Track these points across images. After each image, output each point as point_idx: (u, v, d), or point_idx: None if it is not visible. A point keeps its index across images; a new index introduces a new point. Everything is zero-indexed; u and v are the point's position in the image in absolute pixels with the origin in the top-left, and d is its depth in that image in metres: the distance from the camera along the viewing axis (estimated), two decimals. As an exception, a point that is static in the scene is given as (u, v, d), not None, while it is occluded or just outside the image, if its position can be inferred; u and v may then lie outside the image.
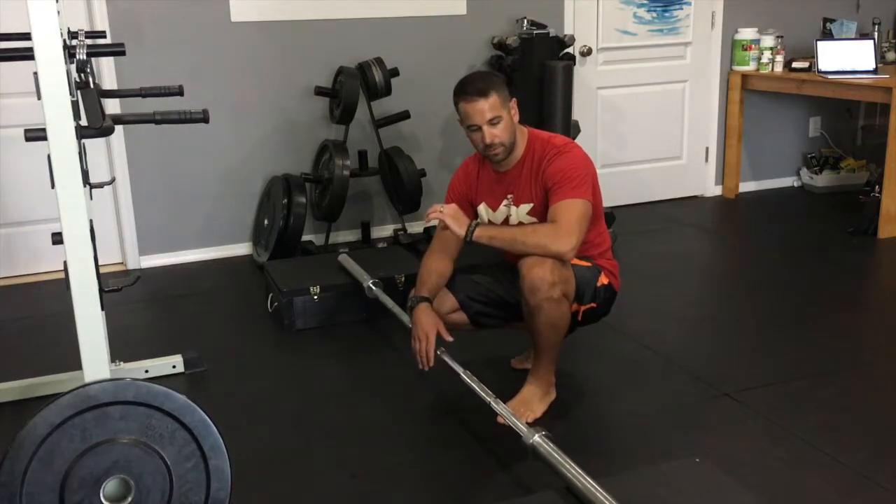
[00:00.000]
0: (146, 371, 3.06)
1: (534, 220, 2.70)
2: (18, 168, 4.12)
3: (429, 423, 2.75)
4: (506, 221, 2.77)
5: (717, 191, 5.60)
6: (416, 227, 4.72)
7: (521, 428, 2.27)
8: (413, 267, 3.64)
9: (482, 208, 2.82)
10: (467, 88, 2.63)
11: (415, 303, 2.73)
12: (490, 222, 2.80)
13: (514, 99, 2.71)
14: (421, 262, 2.87)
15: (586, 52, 5.02)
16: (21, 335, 3.59)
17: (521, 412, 2.60)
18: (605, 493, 1.95)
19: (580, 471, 2.04)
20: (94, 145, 3.96)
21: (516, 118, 2.70)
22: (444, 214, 2.59)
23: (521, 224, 2.72)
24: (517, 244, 2.56)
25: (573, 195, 2.57)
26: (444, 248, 2.81)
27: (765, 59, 5.25)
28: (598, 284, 2.71)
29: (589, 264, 2.71)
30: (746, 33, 5.31)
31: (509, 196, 2.75)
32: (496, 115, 2.60)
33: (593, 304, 2.72)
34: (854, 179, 5.57)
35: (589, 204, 2.59)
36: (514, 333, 2.93)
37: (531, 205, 2.70)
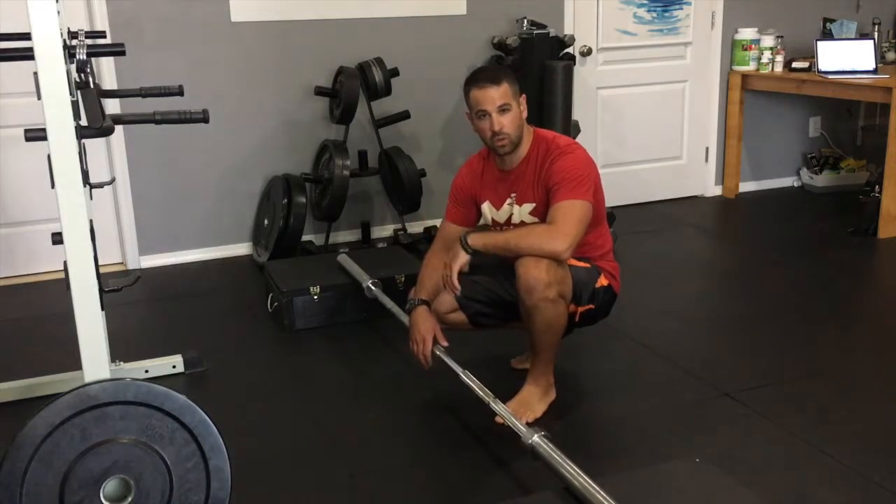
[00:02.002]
0: (146, 371, 3.06)
1: (535, 219, 2.70)
2: (18, 168, 4.12)
3: (428, 423, 2.75)
4: (509, 220, 2.77)
5: (717, 191, 5.60)
6: (416, 227, 4.72)
7: (521, 428, 2.27)
8: (413, 267, 3.64)
9: (486, 206, 2.83)
10: (479, 76, 2.67)
11: (413, 305, 2.75)
12: (493, 221, 2.81)
13: (524, 95, 2.72)
14: (423, 261, 2.88)
15: (586, 52, 5.02)
16: (21, 335, 3.58)
17: (521, 412, 2.60)
18: (603, 494, 1.95)
19: (579, 471, 2.04)
20: (94, 145, 3.97)
21: (524, 114, 2.71)
22: (452, 267, 2.57)
23: (520, 224, 2.73)
24: (511, 247, 2.56)
25: (572, 196, 2.56)
26: (445, 246, 2.82)
27: (765, 59, 5.25)
28: (597, 286, 2.71)
29: (587, 265, 2.71)
30: (746, 33, 5.31)
31: (513, 195, 2.75)
32: (506, 103, 2.63)
33: (591, 306, 2.71)
34: (854, 179, 5.57)
35: (589, 205, 2.59)
36: (513, 333, 2.93)
37: (533, 204, 2.70)
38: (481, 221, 2.84)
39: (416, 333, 2.70)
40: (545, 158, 2.67)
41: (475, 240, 2.58)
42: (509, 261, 2.67)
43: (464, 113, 2.80)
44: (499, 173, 2.79)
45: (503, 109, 2.63)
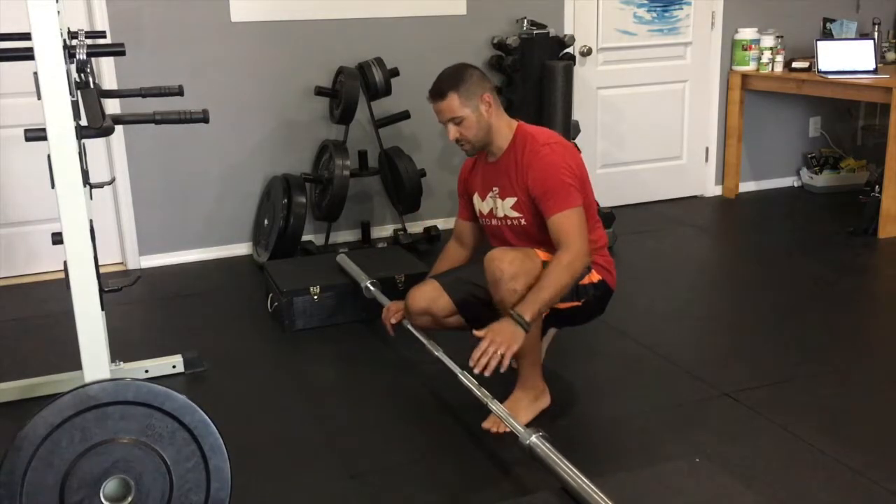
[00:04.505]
0: (146, 371, 3.06)
1: (519, 214, 2.70)
2: (18, 168, 4.12)
3: (427, 424, 2.75)
4: (491, 212, 2.78)
5: (717, 191, 5.60)
6: (416, 227, 4.72)
7: (518, 428, 2.27)
8: (413, 267, 3.66)
9: (475, 198, 2.86)
10: (430, 89, 2.72)
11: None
12: (480, 212, 2.85)
13: (486, 93, 2.67)
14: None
15: (586, 52, 5.02)
16: (21, 335, 3.59)
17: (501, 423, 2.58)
18: (600, 494, 1.94)
19: (576, 471, 2.03)
20: (94, 145, 3.97)
21: (489, 111, 2.67)
22: (506, 352, 2.36)
23: (504, 217, 2.74)
24: (564, 290, 2.51)
25: (565, 206, 2.55)
26: (457, 236, 3.00)
27: (765, 59, 5.25)
28: (584, 282, 2.67)
29: None
30: (746, 33, 5.31)
31: (494, 188, 2.77)
32: (455, 116, 2.66)
33: (577, 303, 2.67)
34: (854, 179, 5.57)
35: (581, 210, 2.59)
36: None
37: (515, 199, 2.71)
38: (476, 213, 2.89)
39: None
40: (523, 155, 2.67)
41: (531, 317, 2.43)
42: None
43: None
44: (486, 166, 2.82)
45: (455, 122, 2.67)
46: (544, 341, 2.91)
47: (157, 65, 4.20)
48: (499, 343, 2.36)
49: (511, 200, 2.72)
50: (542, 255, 2.59)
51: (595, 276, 2.70)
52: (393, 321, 2.92)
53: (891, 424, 2.65)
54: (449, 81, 2.68)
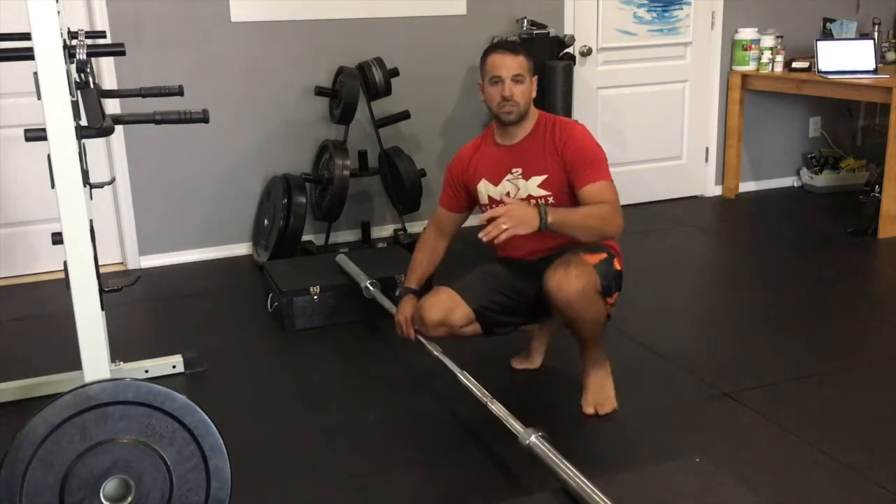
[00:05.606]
0: (146, 371, 3.06)
1: (546, 192, 2.70)
2: (18, 168, 4.12)
3: (427, 424, 2.75)
4: (508, 196, 2.75)
5: (717, 191, 5.60)
6: (416, 227, 4.71)
7: (518, 428, 2.27)
8: (413, 267, 3.65)
9: (482, 185, 2.83)
10: (500, 44, 2.80)
11: (402, 294, 2.92)
12: (490, 199, 2.81)
13: (536, 76, 2.79)
14: (417, 243, 3.00)
15: (586, 52, 5.02)
16: (21, 335, 3.59)
17: (602, 403, 2.69)
18: (600, 494, 1.94)
19: (576, 471, 2.03)
20: (94, 145, 3.97)
21: (534, 93, 2.77)
22: (510, 230, 2.43)
23: (528, 198, 2.71)
24: (586, 229, 2.58)
25: (601, 177, 2.65)
26: (437, 225, 2.98)
27: (765, 59, 5.25)
28: (616, 270, 2.70)
29: (605, 255, 2.67)
30: (746, 33, 5.31)
31: (515, 170, 2.76)
32: (521, 74, 2.70)
33: (617, 294, 2.72)
34: (854, 179, 5.57)
35: (615, 185, 2.68)
36: (514, 334, 2.93)
37: (544, 176, 2.71)
38: (483, 201, 2.85)
39: (398, 316, 2.88)
40: (554, 131, 2.73)
41: (554, 218, 2.48)
42: (501, 254, 2.69)
43: (476, 83, 2.87)
44: (498, 150, 2.81)
45: (517, 80, 2.69)
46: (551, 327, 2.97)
47: (157, 65, 4.20)
48: (510, 219, 2.42)
49: (538, 179, 2.72)
50: (590, 259, 2.59)
51: (617, 265, 2.71)
52: (412, 331, 2.87)
53: (891, 424, 2.65)
54: (520, 46, 2.81)
